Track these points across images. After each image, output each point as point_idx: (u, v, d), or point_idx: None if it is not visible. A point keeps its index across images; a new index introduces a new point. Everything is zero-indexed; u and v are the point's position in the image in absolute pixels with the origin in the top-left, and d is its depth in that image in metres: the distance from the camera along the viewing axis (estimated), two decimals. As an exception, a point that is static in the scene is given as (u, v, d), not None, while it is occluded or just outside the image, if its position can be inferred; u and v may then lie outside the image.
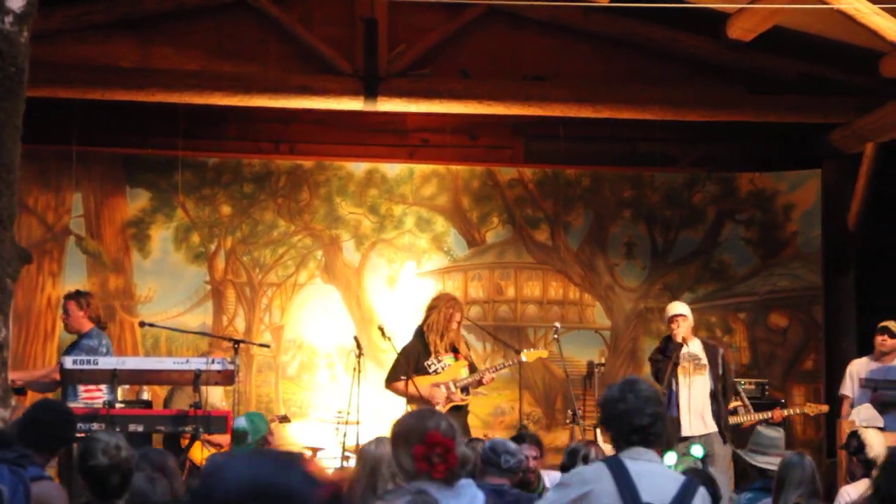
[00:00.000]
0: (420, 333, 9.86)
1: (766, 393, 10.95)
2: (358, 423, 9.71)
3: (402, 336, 10.47)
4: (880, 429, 8.42)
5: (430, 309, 9.94)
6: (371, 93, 10.85)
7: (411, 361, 9.70)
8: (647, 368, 11.98)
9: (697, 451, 8.33)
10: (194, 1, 10.94)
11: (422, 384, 9.55)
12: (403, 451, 3.94)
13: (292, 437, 11.44)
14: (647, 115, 11.28)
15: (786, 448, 9.92)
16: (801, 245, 12.18)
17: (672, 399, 9.57)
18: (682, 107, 11.22)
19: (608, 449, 8.88)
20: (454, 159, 12.14)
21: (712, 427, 9.51)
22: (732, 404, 10.13)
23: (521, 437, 7.62)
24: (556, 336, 10.26)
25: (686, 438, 9.37)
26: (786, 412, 10.49)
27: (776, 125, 11.72)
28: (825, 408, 10.89)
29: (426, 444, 3.86)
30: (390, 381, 9.76)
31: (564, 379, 10.31)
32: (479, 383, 9.87)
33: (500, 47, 11.33)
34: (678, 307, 9.87)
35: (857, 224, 11.64)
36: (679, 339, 9.57)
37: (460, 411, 9.69)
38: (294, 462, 1.97)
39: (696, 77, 11.36)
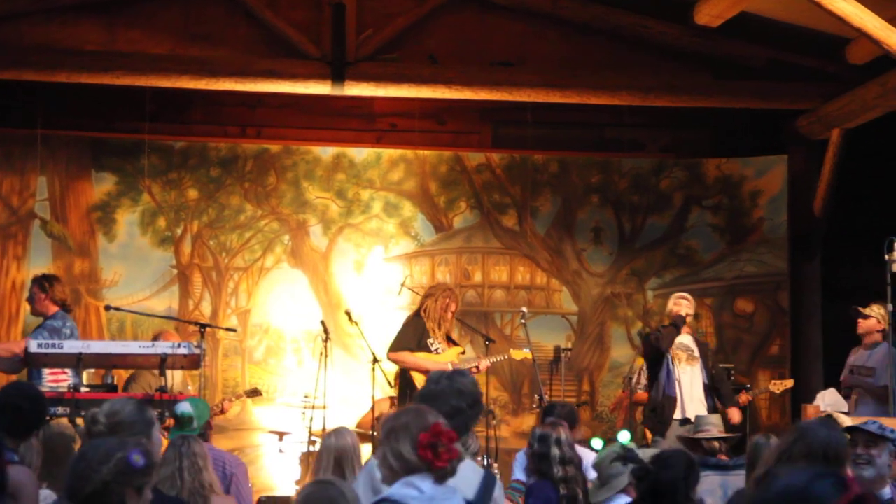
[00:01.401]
0: (417, 317, 9.90)
1: (732, 378, 10.98)
2: (324, 407, 9.71)
3: (370, 321, 10.45)
4: (846, 413, 8.46)
5: (427, 297, 9.99)
6: (338, 77, 10.81)
7: (416, 337, 9.75)
8: (613, 353, 12.07)
9: (624, 436, 9.04)
10: (161, -17, 10.90)
11: (426, 360, 9.67)
12: (404, 442, 3.80)
13: (259, 421, 11.43)
14: (615, 101, 11.30)
15: (751, 432, 10.08)
16: (768, 231, 12.22)
17: (671, 379, 9.77)
18: (649, 93, 11.24)
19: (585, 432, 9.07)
20: (422, 144, 12.12)
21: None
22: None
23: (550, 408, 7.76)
24: (522, 321, 10.29)
25: (687, 420, 9.55)
26: (751, 395, 10.53)
27: (743, 111, 11.76)
28: (790, 382, 10.92)
29: (432, 432, 3.80)
30: (396, 350, 9.78)
31: (531, 364, 10.31)
32: (476, 370, 9.93)
33: (469, 32, 11.31)
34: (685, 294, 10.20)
35: (822, 210, 11.69)
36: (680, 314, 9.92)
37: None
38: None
39: (664, 63, 11.38)
